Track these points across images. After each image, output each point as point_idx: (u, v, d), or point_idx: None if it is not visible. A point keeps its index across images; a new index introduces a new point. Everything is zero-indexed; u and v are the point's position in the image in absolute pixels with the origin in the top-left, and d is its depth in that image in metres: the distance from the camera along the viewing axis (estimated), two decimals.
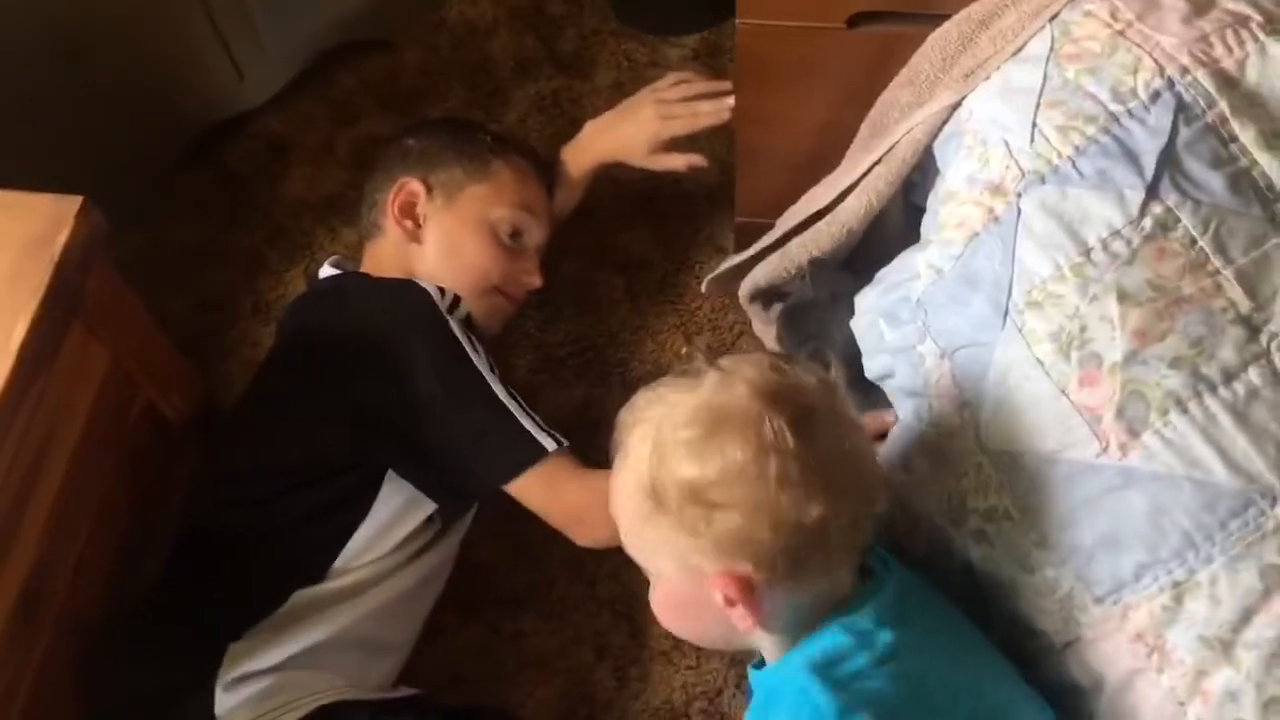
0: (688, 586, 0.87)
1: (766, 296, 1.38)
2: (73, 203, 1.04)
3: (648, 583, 1.35)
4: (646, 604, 1.34)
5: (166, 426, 1.27)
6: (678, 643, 1.32)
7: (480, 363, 1.19)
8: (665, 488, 0.83)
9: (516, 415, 1.17)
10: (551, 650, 1.32)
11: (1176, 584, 0.86)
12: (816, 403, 0.84)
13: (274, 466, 1.19)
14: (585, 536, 1.19)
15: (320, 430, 1.20)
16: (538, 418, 1.19)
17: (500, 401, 1.17)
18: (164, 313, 1.54)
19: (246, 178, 1.69)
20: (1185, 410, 0.87)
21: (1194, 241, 0.92)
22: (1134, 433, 0.88)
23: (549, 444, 1.16)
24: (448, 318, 1.21)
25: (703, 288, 1.47)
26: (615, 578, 1.36)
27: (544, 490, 1.18)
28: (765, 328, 1.43)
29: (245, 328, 1.57)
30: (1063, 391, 0.91)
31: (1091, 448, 0.89)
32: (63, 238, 1.02)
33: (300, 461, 1.19)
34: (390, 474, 1.19)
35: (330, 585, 1.16)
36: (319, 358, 1.22)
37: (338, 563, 1.17)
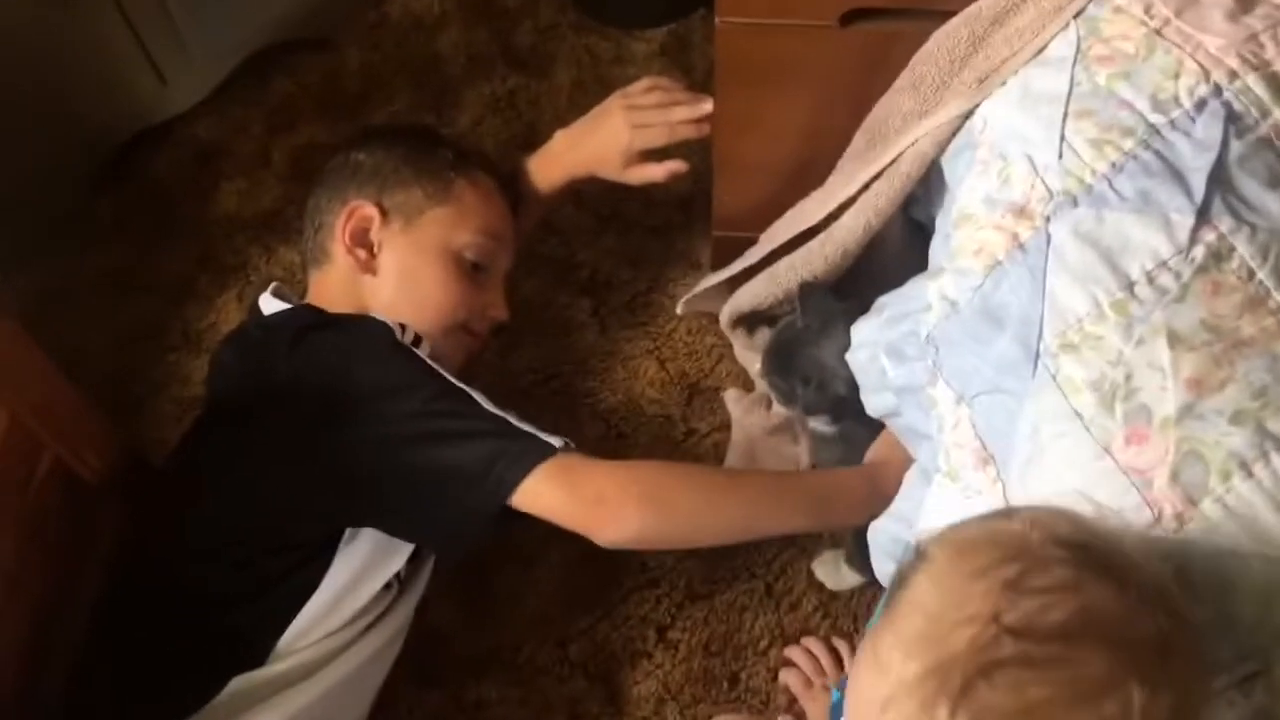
0: None
1: (750, 321, 1.26)
2: None
3: (625, 641, 1.25)
4: (623, 665, 1.25)
5: (80, 486, 1.12)
6: (658, 708, 1.20)
7: (457, 381, 1.06)
8: None
9: (514, 421, 1.03)
10: None
11: (1246, 679, 0.74)
12: None
13: (216, 537, 1.05)
14: (612, 526, 1.02)
15: (277, 494, 1.05)
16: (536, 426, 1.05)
17: (491, 411, 1.04)
18: (84, 346, 1.43)
19: (173, 193, 1.56)
20: (1250, 473, 0.76)
21: (1252, 274, 0.80)
22: (1192, 500, 0.76)
23: (556, 441, 1.02)
24: (411, 348, 1.09)
25: (678, 309, 1.34)
26: (589, 636, 1.24)
27: (559, 484, 1.00)
28: (748, 354, 1.31)
29: (174, 361, 1.44)
30: (1106, 450, 0.79)
31: (1143, 517, 0.77)
32: None
33: (249, 531, 1.05)
34: (347, 539, 1.06)
35: (274, 669, 1.03)
36: (271, 409, 1.07)
37: (282, 642, 1.04)
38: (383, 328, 1.09)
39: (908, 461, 1.05)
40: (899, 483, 1.05)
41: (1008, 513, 0.73)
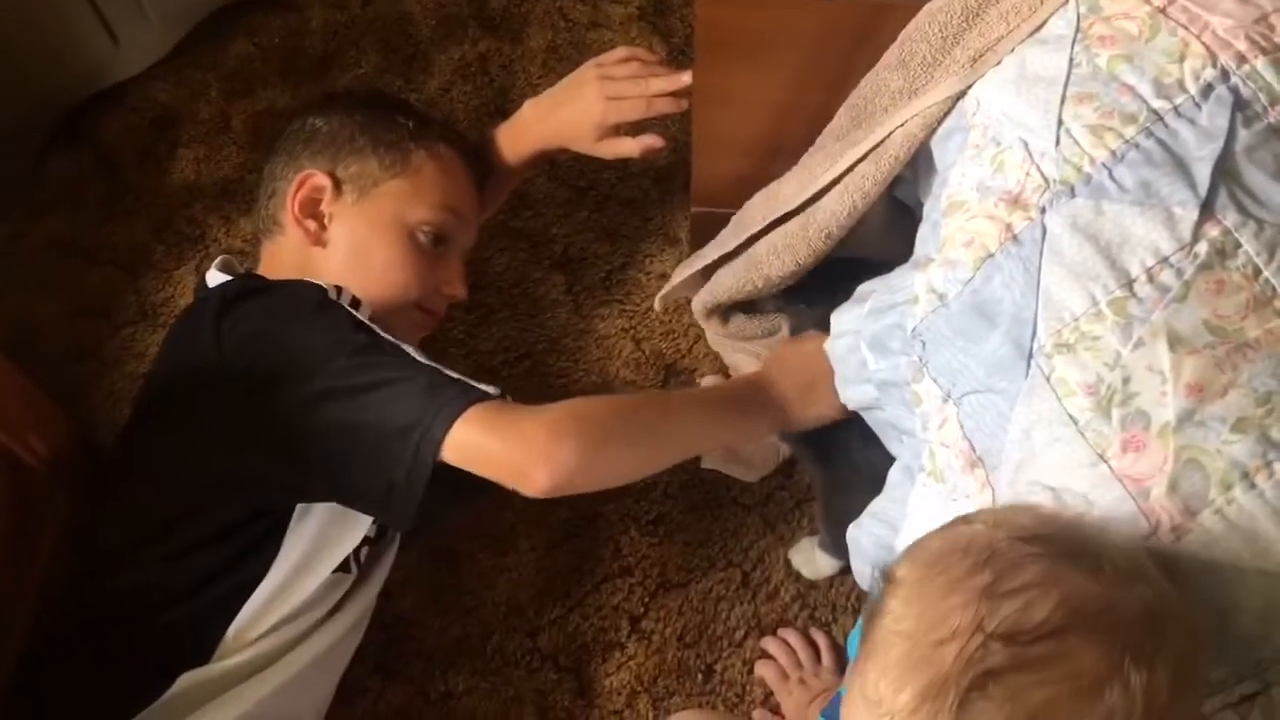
0: None
1: (726, 308, 1.21)
2: None
3: (597, 632, 1.21)
4: (595, 656, 1.21)
5: (25, 474, 1.07)
6: (630, 701, 1.17)
7: (388, 335, 1.00)
8: None
9: (445, 371, 0.96)
10: (488, 712, 1.17)
11: (1244, 699, 0.71)
12: None
13: (147, 527, 1.01)
14: (544, 468, 0.91)
15: (210, 474, 1.00)
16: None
17: (423, 362, 0.96)
18: (31, 321, 1.37)
19: (126, 160, 1.49)
20: (1252, 484, 0.72)
21: (1258, 272, 0.76)
22: (1191, 511, 0.72)
23: (492, 390, 0.94)
24: (341, 304, 1.03)
25: (655, 304, 1.29)
26: (559, 626, 1.20)
27: (486, 428, 0.91)
28: (724, 341, 1.26)
29: (129, 336, 1.38)
30: (1101, 457, 0.75)
31: (1138, 528, 0.73)
32: None
33: (189, 515, 1.00)
34: (296, 519, 1.01)
35: (226, 663, 0.99)
36: (200, 386, 1.02)
37: (231, 633, 0.99)
38: (312, 288, 1.03)
39: (803, 363, 1.06)
40: (797, 378, 1.06)
41: (967, 518, 0.70)
